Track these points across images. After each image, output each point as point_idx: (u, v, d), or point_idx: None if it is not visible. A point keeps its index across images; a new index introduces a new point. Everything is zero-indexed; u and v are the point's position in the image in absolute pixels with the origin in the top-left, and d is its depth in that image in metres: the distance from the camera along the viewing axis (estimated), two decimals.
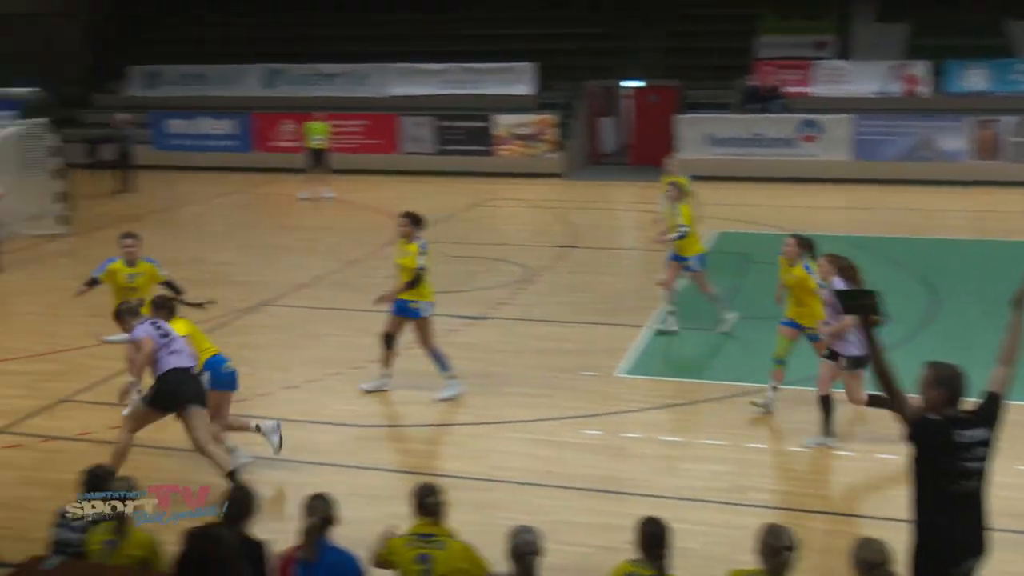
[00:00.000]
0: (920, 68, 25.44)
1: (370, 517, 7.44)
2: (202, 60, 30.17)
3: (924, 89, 25.26)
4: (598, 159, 28.61)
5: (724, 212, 20.47)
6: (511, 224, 16.64)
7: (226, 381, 8.95)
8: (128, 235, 10.77)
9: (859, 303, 6.02)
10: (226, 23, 32.69)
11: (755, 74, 26.31)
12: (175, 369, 8.24)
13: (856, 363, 8.86)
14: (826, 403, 9.11)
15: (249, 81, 29.22)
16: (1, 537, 7.44)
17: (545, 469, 8.76)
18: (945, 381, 5.43)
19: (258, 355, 12.14)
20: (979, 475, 5.42)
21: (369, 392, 10.73)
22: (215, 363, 8.88)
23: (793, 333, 10.10)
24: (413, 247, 10.48)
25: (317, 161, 23.21)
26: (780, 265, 10.41)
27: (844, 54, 26.83)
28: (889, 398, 5.56)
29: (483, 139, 26.55)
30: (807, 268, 9.95)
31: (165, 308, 9.05)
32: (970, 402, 5.50)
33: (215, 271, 16.09)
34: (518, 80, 27.43)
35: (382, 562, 5.69)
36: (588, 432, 9.67)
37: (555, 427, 9.73)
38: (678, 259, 12.74)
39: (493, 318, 13.45)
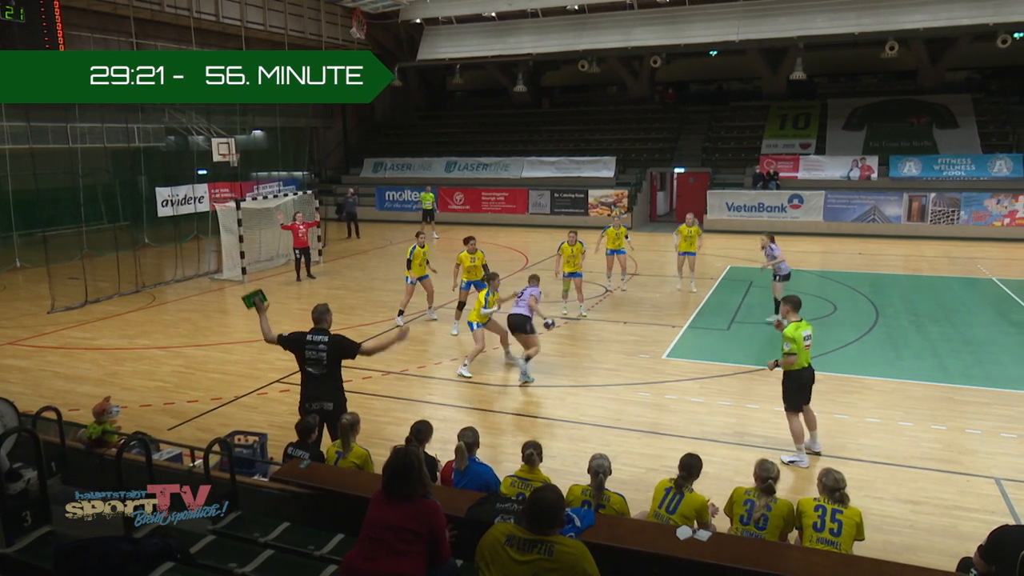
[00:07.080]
0: (872, 161, 24.70)
1: (498, 443, 7.60)
2: (407, 154, 30.93)
3: (874, 175, 24.45)
4: (655, 218, 28.27)
5: (735, 253, 20.06)
6: (598, 259, 16.50)
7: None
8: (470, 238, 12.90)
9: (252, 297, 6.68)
10: (423, 132, 33.41)
11: (760, 164, 25.81)
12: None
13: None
14: None
15: (436, 167, 29.65)
16: (276, 445, 7.37)
17: (615, 417, 8.74)
18: (317, 314, 6.63)
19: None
20: (319, 363, 6.51)
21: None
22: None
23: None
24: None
25: (427, 217, 24.34)
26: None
27: (821, 151, 26.03)
28: (275, 342, 6.59)
29: (581, 204, 26.49)
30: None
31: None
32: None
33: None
34: (604, 167, 27.35)
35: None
36: (642, 393, 9.62)
37: (622, 390, 9.68)
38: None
39: (584, 319, 13.47)
